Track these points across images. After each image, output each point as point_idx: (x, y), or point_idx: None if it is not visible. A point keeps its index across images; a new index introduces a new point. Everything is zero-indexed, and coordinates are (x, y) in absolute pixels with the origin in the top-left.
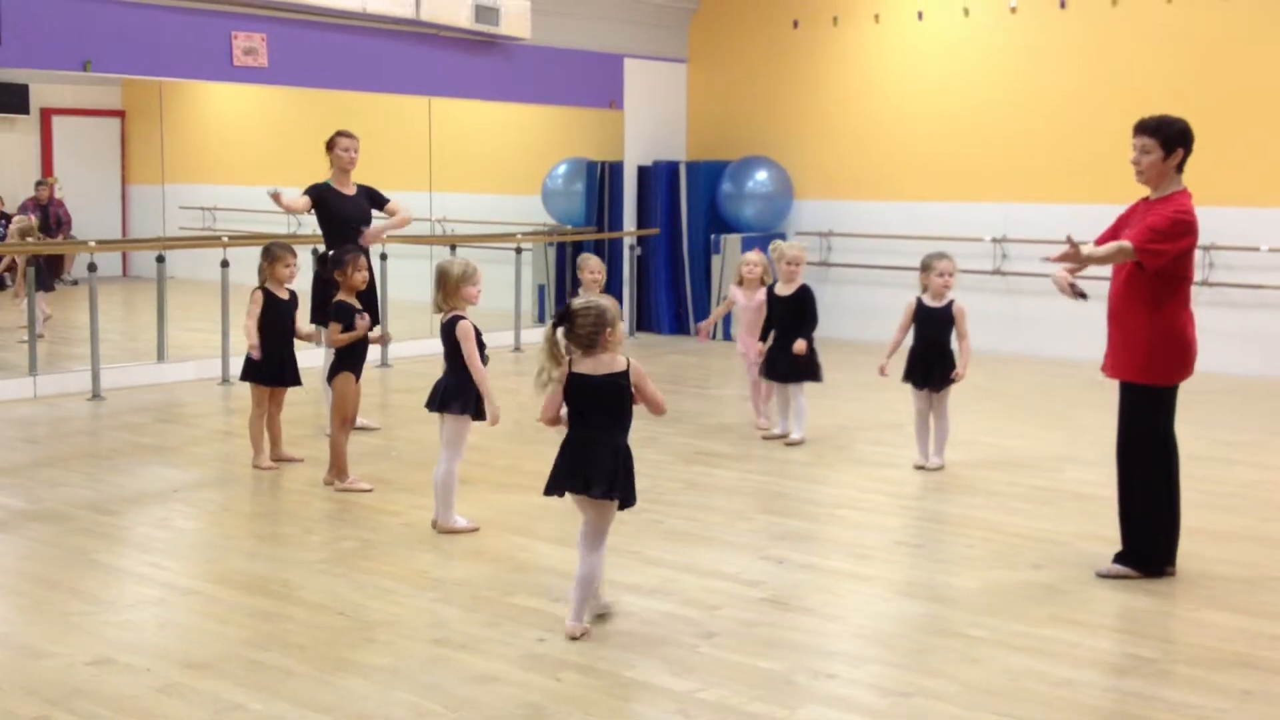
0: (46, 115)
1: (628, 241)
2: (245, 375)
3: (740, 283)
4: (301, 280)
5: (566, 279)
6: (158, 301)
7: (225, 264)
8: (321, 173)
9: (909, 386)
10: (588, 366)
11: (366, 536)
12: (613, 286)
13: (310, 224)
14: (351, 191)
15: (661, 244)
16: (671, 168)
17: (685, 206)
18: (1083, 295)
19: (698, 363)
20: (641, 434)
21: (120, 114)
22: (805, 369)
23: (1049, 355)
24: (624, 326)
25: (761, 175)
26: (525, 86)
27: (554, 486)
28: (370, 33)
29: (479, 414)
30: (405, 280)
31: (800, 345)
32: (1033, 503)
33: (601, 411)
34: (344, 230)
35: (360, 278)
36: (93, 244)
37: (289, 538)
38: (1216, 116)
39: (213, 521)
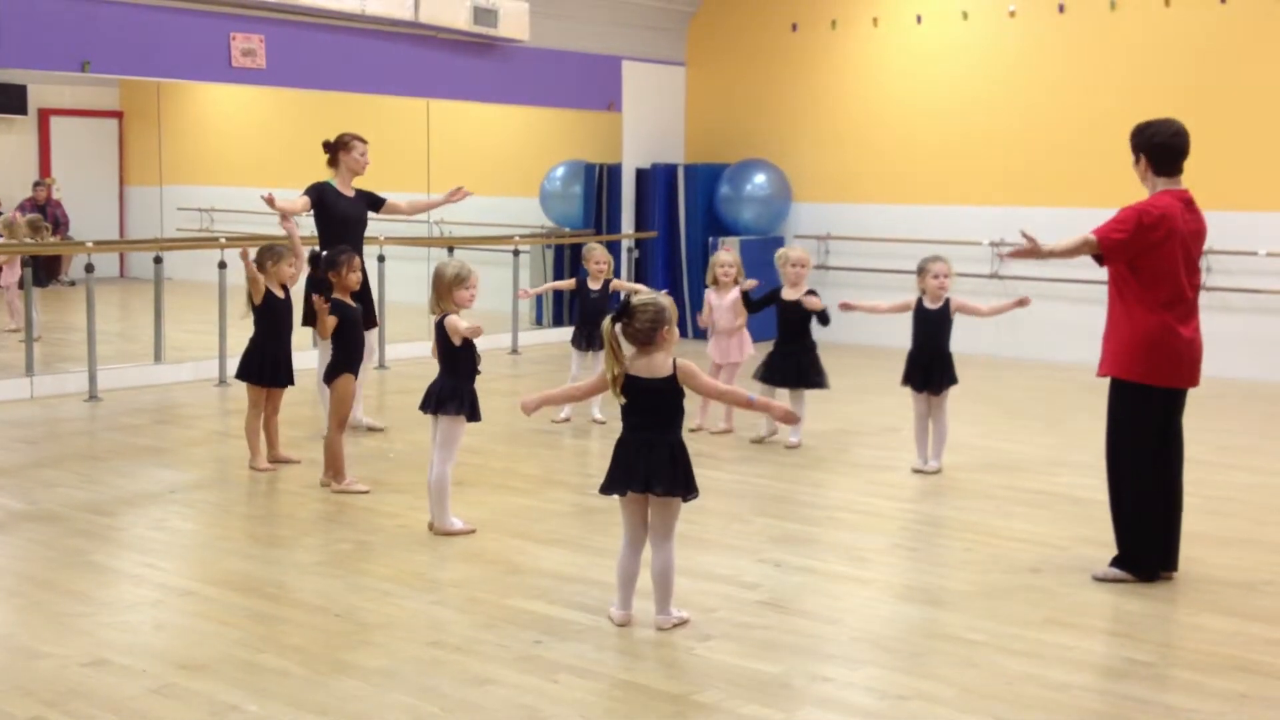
0: (44, 116)
1: (626, 244)
2: (241, 374)
3: (714, 283)
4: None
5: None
6: (155, 303)
7: (223, 265)
8: (323, 174)
9: (907, 390)
10: (641, 368)
11: (363, 538)
12: None
13: (308, 225)
14: (351, 193)
15: (659, 247)
16: (670, 170)
17: (683, 209)
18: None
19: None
20: None
21: (118, 115)
22: (805, 375)
23: (1046, 359)
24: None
25: (760, 178)
26: (523, 89)
27: (614, 485)
28: (369, 34)
29: (473, 416)
30: (403, 281)
31: (815, 301)
32: (1030, 506)
33: (655, 412)
34: (342, 232)
35: (355, 278)
36: (90, 245)
37: (285, 539)
38: (1214, 121)
39: (209, 523)
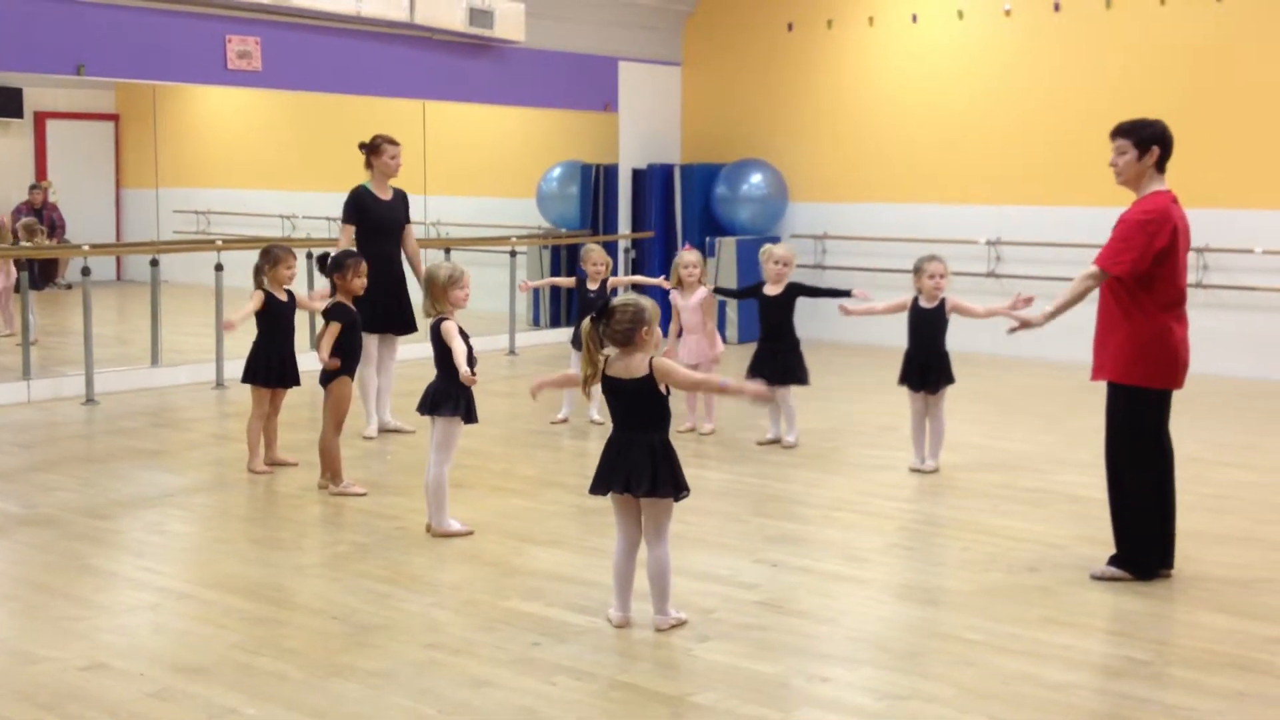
0: (40, 119)
1: (622, 245)
2: (247, 378)
3: (679, 285)
4: (299, 283)
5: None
6: (152, 305)
7: (219, 268)
8: (320, 176)
9: (904, 390)
10: (620, 369)
11: (360, 540)
12: None
13: (306, 227)
14: (389, 196)
15: (656, 247)
16: (666, 170)
17: (680, 209)
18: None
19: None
20: None
21: (114, 118)
22: (792, 372)
23: (1043, 358)
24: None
25: (756, 178)
26: (520, 89)
27: (597, 485)
28: (365, 36)
29: (470, 417)
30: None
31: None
32: (1027, 505)
33: (636, 413)
34: (379, 235)
35: (359, 283)
36: (86, 248)
37: (283, 542)
38: (1210, 119)
39: (207, 526)
